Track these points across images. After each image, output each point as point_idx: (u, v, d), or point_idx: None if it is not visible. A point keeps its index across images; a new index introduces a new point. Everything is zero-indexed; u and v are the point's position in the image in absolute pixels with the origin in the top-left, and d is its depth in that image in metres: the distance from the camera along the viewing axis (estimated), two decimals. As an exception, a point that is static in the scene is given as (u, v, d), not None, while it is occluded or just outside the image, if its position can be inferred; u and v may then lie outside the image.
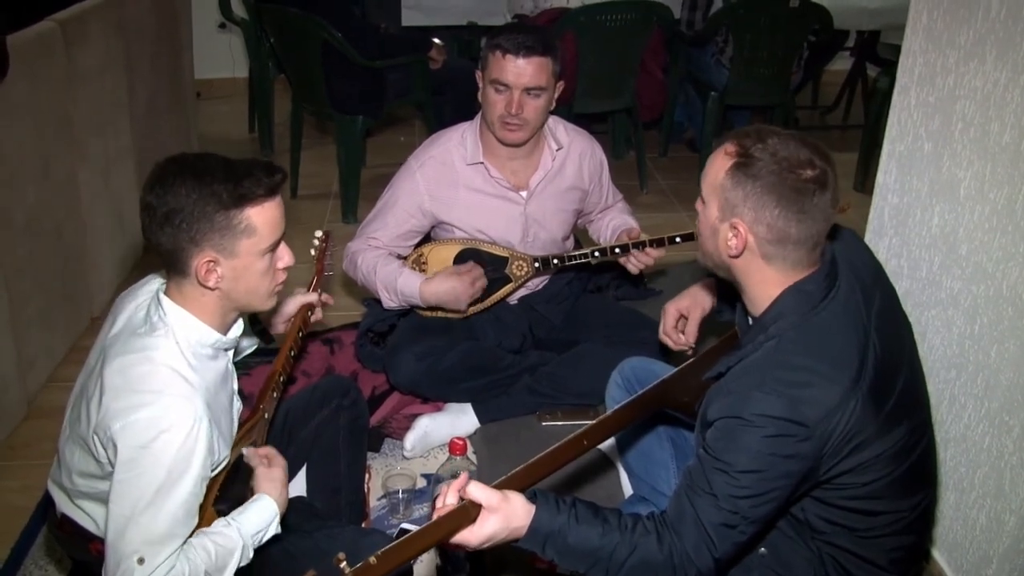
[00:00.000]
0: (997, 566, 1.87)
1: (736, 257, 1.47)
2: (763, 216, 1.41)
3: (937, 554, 2.07)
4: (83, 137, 3.01)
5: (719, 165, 1.46)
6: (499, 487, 1.39)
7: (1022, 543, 1.82)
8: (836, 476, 1.44)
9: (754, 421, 1.36)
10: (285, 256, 1.59)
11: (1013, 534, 1.82)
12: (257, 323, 1.91)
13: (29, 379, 2.68)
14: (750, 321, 1.57)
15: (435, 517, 1.33)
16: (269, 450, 1.71)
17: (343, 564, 1.22)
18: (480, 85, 2.43)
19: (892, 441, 1.44)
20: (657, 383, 1.75)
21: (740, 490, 1.36)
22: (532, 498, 1.39)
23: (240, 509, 1.60)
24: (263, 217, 1.50)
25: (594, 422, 1.61)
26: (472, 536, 1.34)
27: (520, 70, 2.32)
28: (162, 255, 1.51)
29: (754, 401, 1.37)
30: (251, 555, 1.57)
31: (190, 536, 1.49)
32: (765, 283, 1.48)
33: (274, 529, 1.62)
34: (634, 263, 2.52)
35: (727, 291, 1.87)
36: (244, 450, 1.69)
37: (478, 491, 1.34)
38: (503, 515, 1.35)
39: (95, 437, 1.46)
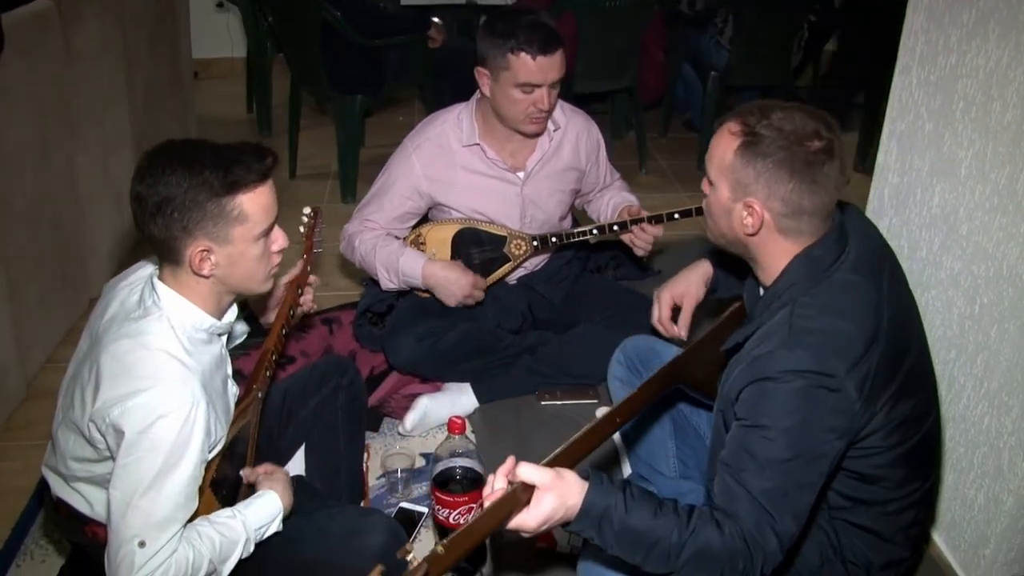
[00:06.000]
0: (995, 546, 1.87)
1: (753, 235, 1.47)
2: (777, 191, 1.41)
3: (935, 534, 2.08)
4: (81, 121, 2.99)
5: (725, 146, 1.45)
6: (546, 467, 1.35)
7: (1020, 523, 1.82)
8: (869, 434, 1.42)
9: (782, 378, 1.34)
10: (279, 239, 1.59)
11: (1011, 514, 1.82)
12: (245, 308, 1.90)
13: (28, 361, 2.68)
14: (761, 292, 1.57)
15: (485, 504, 1.28)
16: (267, 466, 1.72)
17: (411, 556, 1.19)
18: (486, 82, 2.39)
19: (908, 406, 1.45)
20: (670, 362, 1.74)
21: (783, 451, 1.33)
22: (584, 476, 1.35)
23: (246, 502, 1.61)
24: (255, 203, 1.49)
25: (623, 400, 1.59)
26: (529, 519, 1.29)
27: (548, 67, 2.31)
28: (155, 245, 1.50)
29: (779, 359, 1.36)
30: (252, 549, 1.57)
31: (192, 520, 1.49)
32: (781, 253, 1.48)
33: (276, 526, 1.62)
34: (640, 245, 2.52)
35: (734, 265, 1.86)
36: (243, 472, 1.71)
37: (530, 472, 1.30)
38: (558, 493, 1.30)
39: (92, 424, 1.46)
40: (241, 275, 1.55)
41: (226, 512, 1.57)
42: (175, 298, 1.52)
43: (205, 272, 1.50)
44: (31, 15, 2.63)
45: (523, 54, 2.29)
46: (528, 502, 1.29)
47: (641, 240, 2.51)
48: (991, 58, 1.80)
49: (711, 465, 1.54)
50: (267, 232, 1.54)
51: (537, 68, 2.30)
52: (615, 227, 2.50)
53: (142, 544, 1.40)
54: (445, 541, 1.20)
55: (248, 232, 1.50)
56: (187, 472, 1.44)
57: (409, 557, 1.19)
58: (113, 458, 1.44)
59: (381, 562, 1.22)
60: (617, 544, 1.33)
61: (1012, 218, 1.76)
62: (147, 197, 1.44)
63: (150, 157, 1.47)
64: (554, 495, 1.30)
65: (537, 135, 2.48)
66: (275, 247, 1.58)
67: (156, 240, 1.48)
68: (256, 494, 1.64)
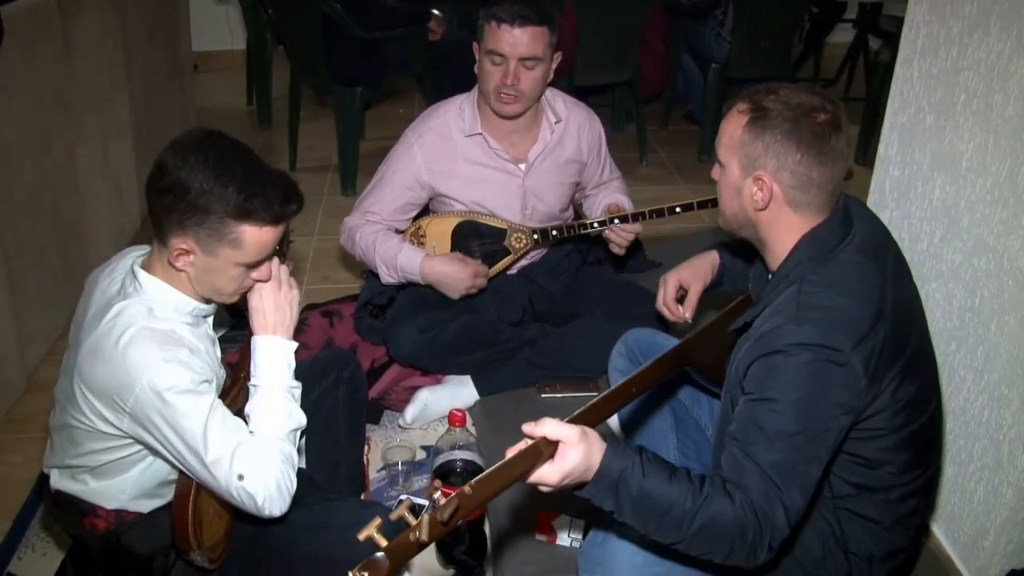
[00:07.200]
0: (994, 538, 1.88)
1: (763, 210, 1.49)
2: (786, 163, 1.44)
3: (935, 526, 2.08)
4: (81, 113, 2.99)
5: (734, 124, 1.49)
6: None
7: (1019, 515, 1.83)
8: (875, 414, 1.43)
9: (790, 351, 1.36)
10: (263, 272, 1.59)
11: (1010, 506, 1.82)
12: None
13: (29, 354, 2.68)
14: (769, 277, 1.58)
15: (508, 455, 1.27)
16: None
17: (437, 494, 1.20)
18: (477, 57, 2.42)
19: (913, 388, 1.46)
20: (680, 343, 1.74)
21: (791, 424, 1.35)
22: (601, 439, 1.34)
23: (252, 372, 1.63)
24: (255, 238, 1.49)
25: (638, 371, 1.60)
26: (552, 471, 1.28)
27: (516, 39, 2.30)
28: (150, 214, 1.51)
29: (787, 333, 1.37)
30: (297, 390, 1.63)
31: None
32: (789, 233, 1.50)
33: (289, 357, 1.64)
34: (616, 241, 2.53)
35: (742, 259, 1.87)
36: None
37: (556, 427, 1.29)
38: (584, 449, 1.29)
39: (91, 413, 1.48)
40: (209, 284, 1.55)
41: (251, 402, 1.60)
42: (157, 284, 1.54)
43: (178, 266, 1.51)
44: (31, 7, 2.63)
45: (494, 21, 2.31)
46: (552, 456, 1.29)
47: (618, 237, 2.52)
48: (992, 51, 1.80)
49: (715, 456, 1.54)
50: (253, 266, 1.55)
51: (504, 36, 2.30)
52: (616, 220, 2.49)
53: (241, 477, 1.47)
54: (473, 482, 1.20)
55: (234, 257, 1.51)
56: (220, 410, 1.50)
57: (436, 495, 1.21)
58: (120, 433, 1.49)
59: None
60: (632, 509, 1.32)
61: (1013, 211, 1.76)
62: (166, 172, 1.44)
63: (199, 137, 1.48)
64: (579, 451, 1.28)
65: (507, 117, 2.44)
66: (255, 275, 1.59)
67: (152, 212, 1.49)
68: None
